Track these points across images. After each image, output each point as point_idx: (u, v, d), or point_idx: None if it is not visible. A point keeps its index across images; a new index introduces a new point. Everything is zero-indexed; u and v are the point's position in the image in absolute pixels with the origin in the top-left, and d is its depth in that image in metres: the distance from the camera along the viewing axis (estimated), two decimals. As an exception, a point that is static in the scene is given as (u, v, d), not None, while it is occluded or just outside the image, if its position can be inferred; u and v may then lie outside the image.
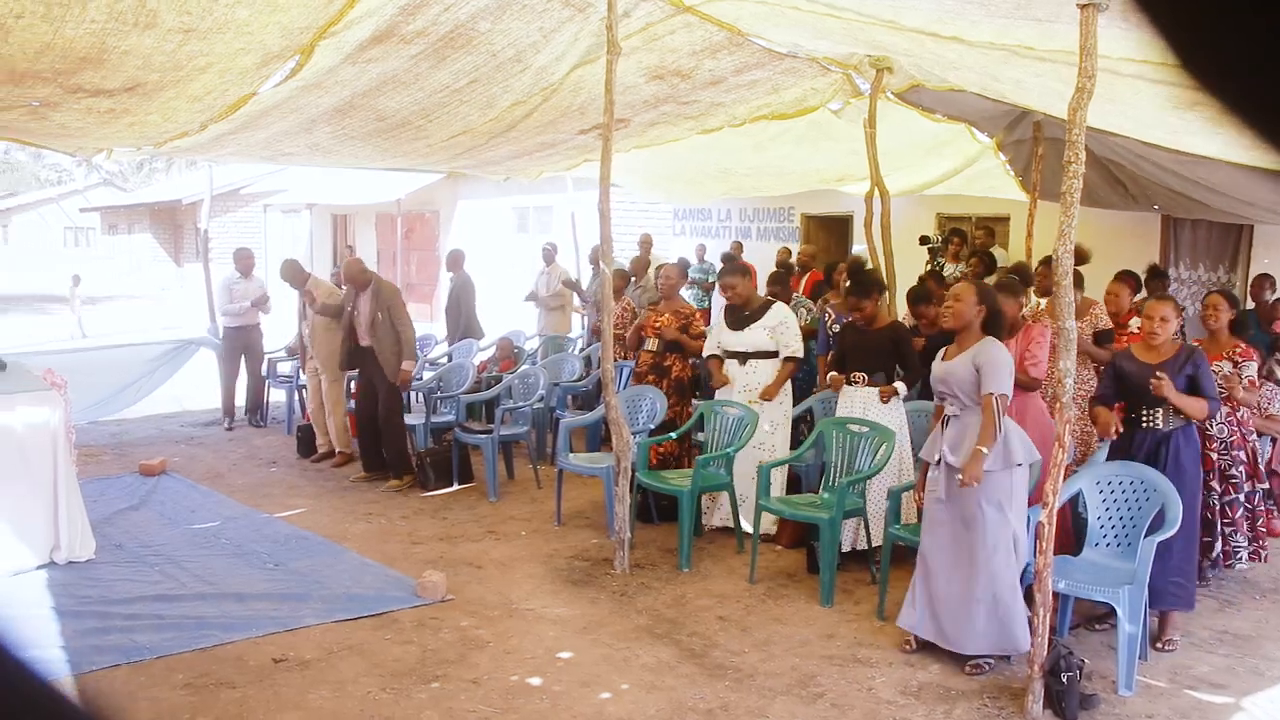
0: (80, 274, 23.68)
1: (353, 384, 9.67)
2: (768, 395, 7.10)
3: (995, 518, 4.98)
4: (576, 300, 12.78)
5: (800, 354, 7.22)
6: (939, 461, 5.15)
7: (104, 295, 31.79)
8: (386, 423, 8.66)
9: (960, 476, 4.91)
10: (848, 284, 7.14)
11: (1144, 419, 5.49)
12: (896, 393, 6.59)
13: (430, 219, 22.23)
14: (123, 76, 6.06)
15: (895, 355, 6.70)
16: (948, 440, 5.09)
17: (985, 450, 4.88)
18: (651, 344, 7.90)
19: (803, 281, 11.45)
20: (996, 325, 5.19)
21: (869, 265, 7.23)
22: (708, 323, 11.42)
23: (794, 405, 7.48)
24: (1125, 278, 7.56)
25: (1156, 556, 4.99)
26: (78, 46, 5.49)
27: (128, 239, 37.23)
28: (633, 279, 11.49)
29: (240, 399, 11.32)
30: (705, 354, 7.53)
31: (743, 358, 7.25)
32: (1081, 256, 7.44)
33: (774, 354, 7.18)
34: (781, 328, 7.16)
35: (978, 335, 5.13)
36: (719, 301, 13.91)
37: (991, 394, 4.95)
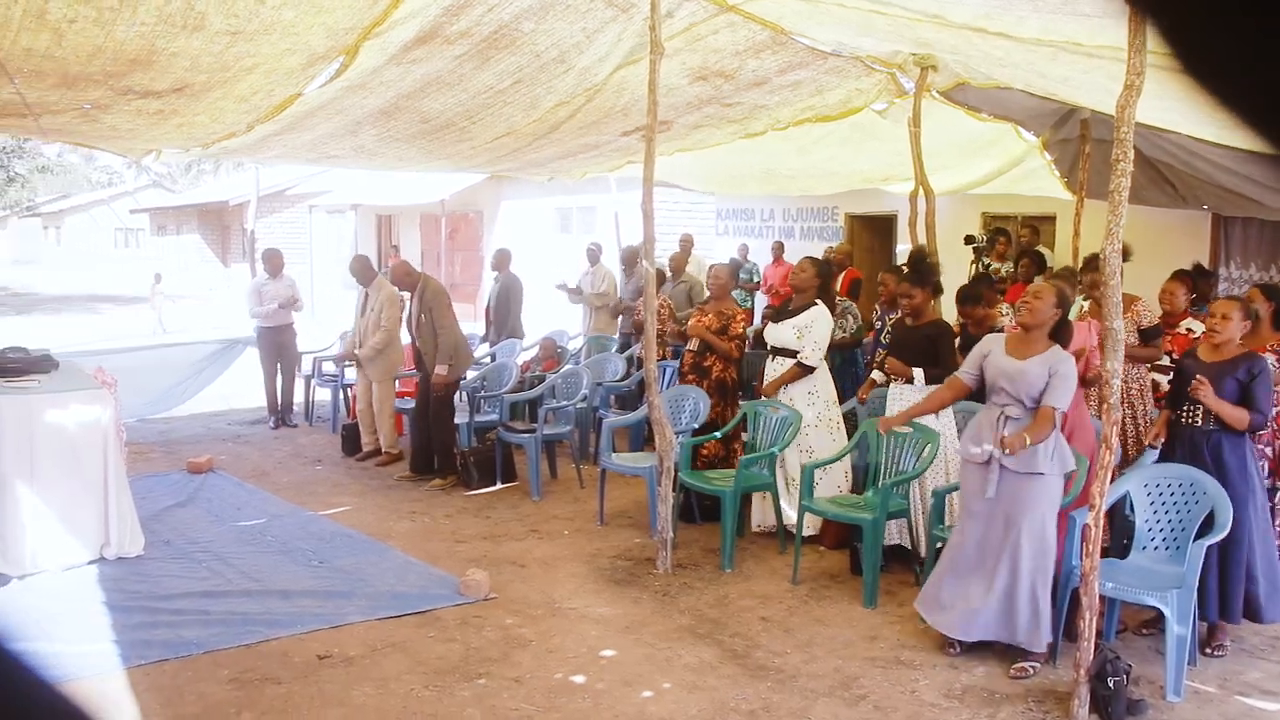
0: (161, 272, 24.65)
1: (397, 383, 9.74)
2: (767, 391, 7.09)
3: (1044, 522, 4.99)
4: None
5: (813, 364, 7.07)
6: (989, 461, 5.09)
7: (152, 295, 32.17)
8: (435, 420, 8.74)
9: (1007, 453, 4.92)
10: (906, 270, 7.08)
11: (1183, 415, 5.42)
12: (909, 375, 6.54)
13: (474, 219, 22.33)
14: (171, 78, 6.14)
15: (932, 352, 6.64)
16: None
17: (1030, 441, 4.89)
18: (693, 344, 7.88)
19: (838, 281, 11.37)
20: (1064, 333, 5.16)
21: (933, 259, 7.16)
22: (750, 323, 11.38)
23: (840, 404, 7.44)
24: (1181, 277, 7.43)
25: (1226, 565, 4.94)
26: (128, 49, 5.56)
27: (176, 239, 37.68)
28: (670, 276, 11.48)
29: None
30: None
31: (772, 353, 7.25)
32: (1123, 253, 7.35)
33: (795, 353, 7.15)
34: (807, 330, 7.08)
35: (1047, 342, 5.09)
36: (761, 301, 13.97)
37: (1055, 408, 4.96)
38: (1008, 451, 4.90)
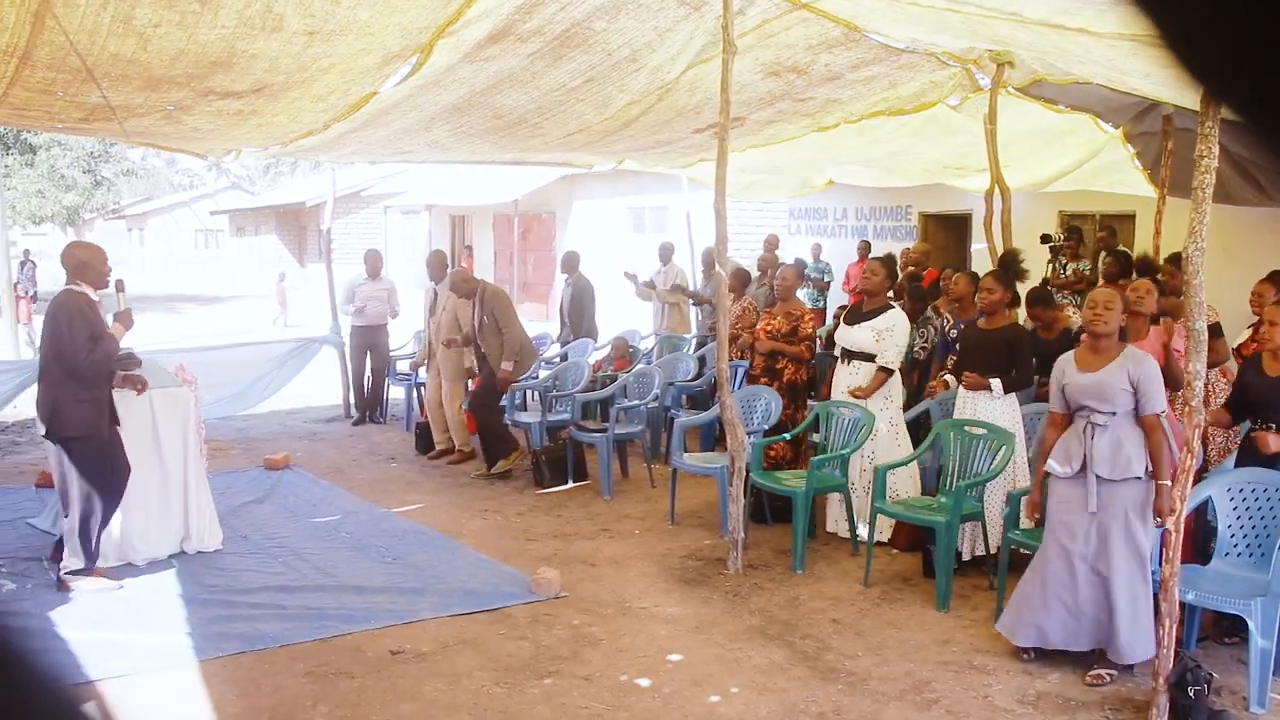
0: (286, 271, 26.42)
1: (468, 382, 9.83)
2: (858, 394, 7.01)
3: (1140, 526, 4.85)
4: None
5: (893, 366, 7.04)
6: (1079, 472, 4.96)
7: (230, 295, 32.84)
8: (479, 409, 8.84)
9: (1156, 516, 4.80)
10: (996, 267, 6.99)
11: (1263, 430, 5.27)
12: (988, 387, 6.40)
13: (547, 219, 22.45)
14: (251, 79, 6.24)
15: (1009, 356, 6.52)
16: (1099, 451, 4.88)
17: (1168, 484, 4.68)
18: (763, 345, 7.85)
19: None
20: (1124, 332, 5.06)
21: (1024, 261, 7.05)
22: (822, 323, 11.30)
23: (905, 409, 7.37)
24: (1274, 278, 7.20)
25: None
26: (209, 52, 5.67)
27: (254, 240, 38.35)
28: (758, 276, 11.45)
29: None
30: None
31: (847, 356, 7.17)
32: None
33: (872, 357, 7.08)
34: (886, 333, 7.03)
35: (1119, 345, 4.96)
36: (835, 300, 13.87)
37: (1157, 414, 4.82)
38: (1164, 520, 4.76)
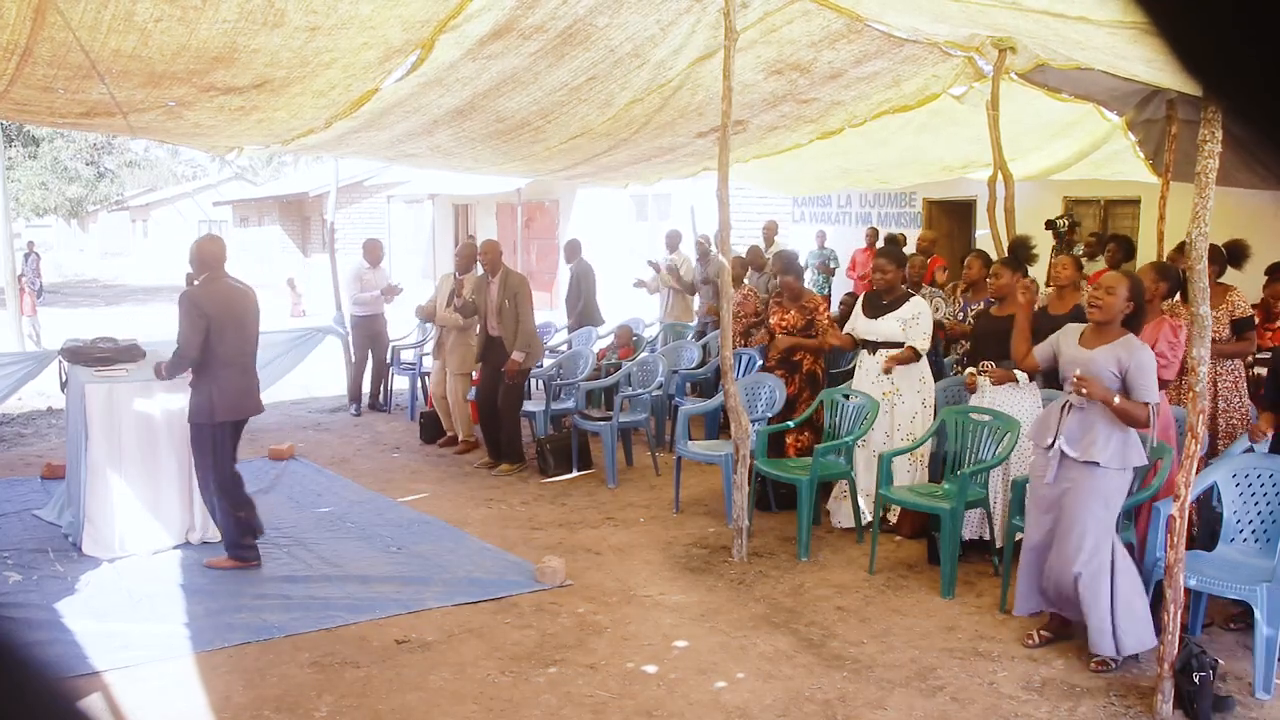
0: (294, 276, 27.79)
1: (473, 373, 9.82)
2: (886, 367, 6.99)
3: (1101, 516, 4.86)
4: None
5: (924, 349, 7.06)
6: (1051, 447, 5.00)
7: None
8: (505, 408, 8.79)
9: (1084, 393, 4.82)
10: (1004, 255, 6.98)
11: None
12: (1014, 379, 6.37)
13: (550, 208, 22.41)
14: (252, 74, 6.24)
15: None
16: (1067, 430, 4.93)
17: (1117, 402, 4.75)
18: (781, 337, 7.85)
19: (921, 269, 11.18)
20: (1137, 322, 5.02)
21: (1034, 247, 7.05)
22: (829, 308, 11.27)
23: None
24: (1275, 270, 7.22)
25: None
26: (210, 47, 5.67)
27: (258, 231, 38.33)
28: (761, 268, 11.43)
29: (365, 385, 11.61)
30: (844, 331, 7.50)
31: (873, 347, 7.15)
32: (1241, 253, 7.17)
33: (902, 345, 7.07)
34: (913, 321, 7.02)
35: (1119, 330, 4.94)
36: (839, 289, 13.85)
37: (1149, 404, 4.79)
38: (1084, 392, 4.79)
